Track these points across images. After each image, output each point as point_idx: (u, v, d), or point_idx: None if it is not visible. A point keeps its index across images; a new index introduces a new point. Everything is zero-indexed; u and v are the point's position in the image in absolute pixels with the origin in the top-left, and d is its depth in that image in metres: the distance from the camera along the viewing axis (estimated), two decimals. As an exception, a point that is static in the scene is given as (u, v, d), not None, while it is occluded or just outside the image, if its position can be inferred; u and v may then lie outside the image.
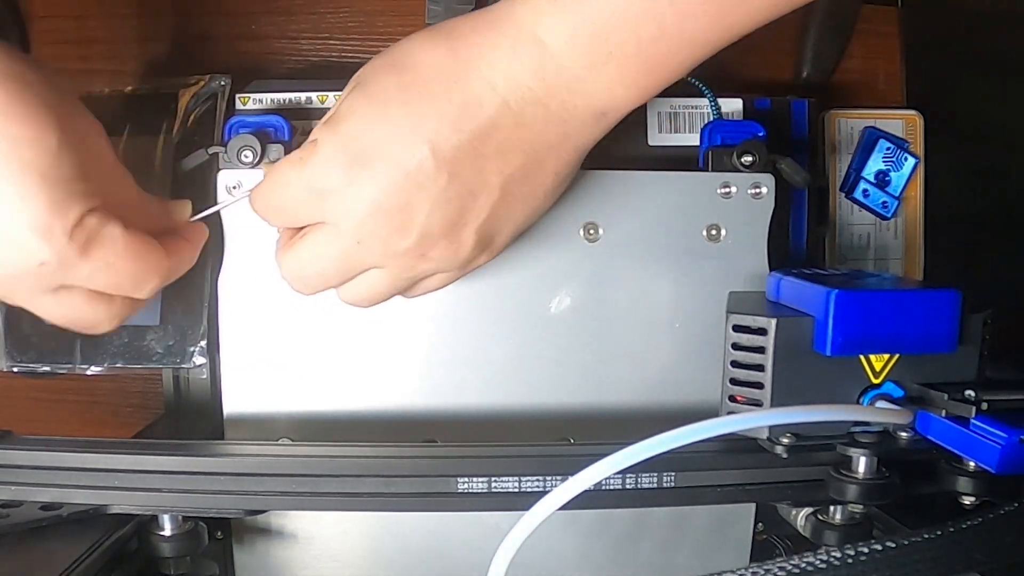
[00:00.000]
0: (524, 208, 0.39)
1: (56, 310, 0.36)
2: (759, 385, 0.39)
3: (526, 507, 0.32)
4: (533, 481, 0.38)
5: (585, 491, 0.32)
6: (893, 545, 0.29)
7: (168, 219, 0.41)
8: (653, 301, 0.46)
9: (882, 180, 0.57)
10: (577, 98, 0.36)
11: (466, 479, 0.38)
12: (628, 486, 0.38)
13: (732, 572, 0.29)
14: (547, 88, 0.36)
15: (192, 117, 0.51)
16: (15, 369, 0.49)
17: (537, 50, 0.35)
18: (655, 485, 0.38)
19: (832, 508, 0.42)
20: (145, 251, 0.36)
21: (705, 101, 0.51)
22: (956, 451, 0.37)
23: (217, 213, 0.42)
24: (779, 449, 0.39)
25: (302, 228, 0.39)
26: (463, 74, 0.36)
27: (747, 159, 0.46)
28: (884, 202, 0.58)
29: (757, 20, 0.35)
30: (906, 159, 0.58)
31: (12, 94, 0.32)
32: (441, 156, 0.35)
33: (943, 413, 0.37)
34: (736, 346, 0.39)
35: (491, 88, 0.36)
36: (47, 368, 0.49)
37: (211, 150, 0.46)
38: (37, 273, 0.34)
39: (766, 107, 0.53)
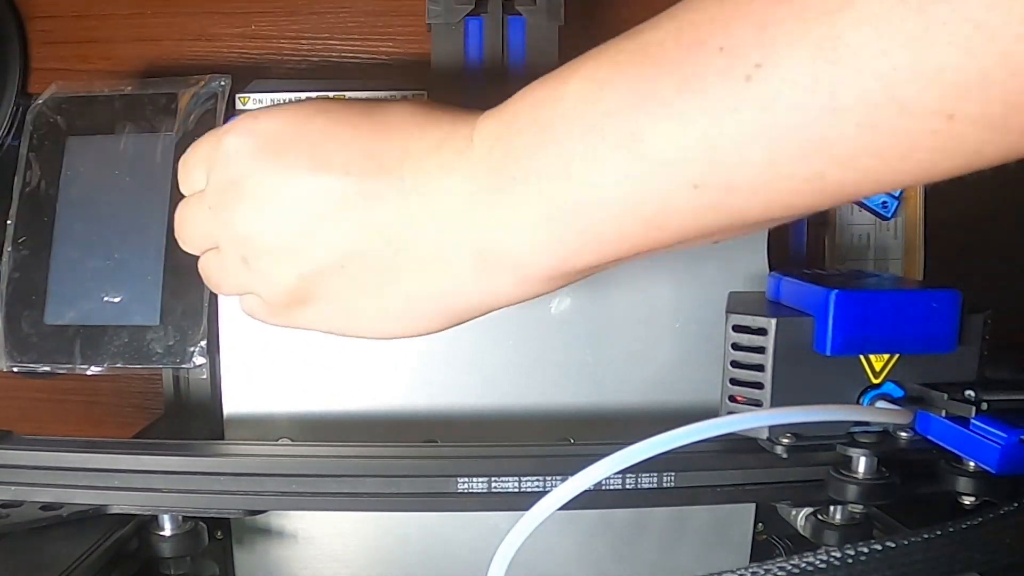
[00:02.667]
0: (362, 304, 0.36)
1: None
2: (759, 385, 0.39)
3: (526, 507, 0.32)
4: (533, 481, 0.38)
5: (585, 491, 0.32)
6: (893, 545, 0.29)
7: None
8: (653, 301, 0.46)
9: (882, 180, 0.57)
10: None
11: (466, 479, 0.38)
12: (628, 486, 0.38)
13: (732, 572, 0.29)
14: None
15: (192, 117, 0.51)
16: (15, 369, 0.49)
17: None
18: (655, 485, 0.38)
19: (832, 508, 0.42)
20: None
21: (705, 101, 0.51)
22: (956, 451, 0.37)
23: None
24: (779, 449, 0.39)
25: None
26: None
27: (747, 159, 0.46)
28: (884, 202, 0.58)
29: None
30: (906, 159, 0.57)
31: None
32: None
33: (943, 413, 0.37)
34: (736, 346, 0.39)
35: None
36: (47, 368, 0.49)
37: (211, 150, 0.46)
38: None
39: (766, 107, 0.53)
